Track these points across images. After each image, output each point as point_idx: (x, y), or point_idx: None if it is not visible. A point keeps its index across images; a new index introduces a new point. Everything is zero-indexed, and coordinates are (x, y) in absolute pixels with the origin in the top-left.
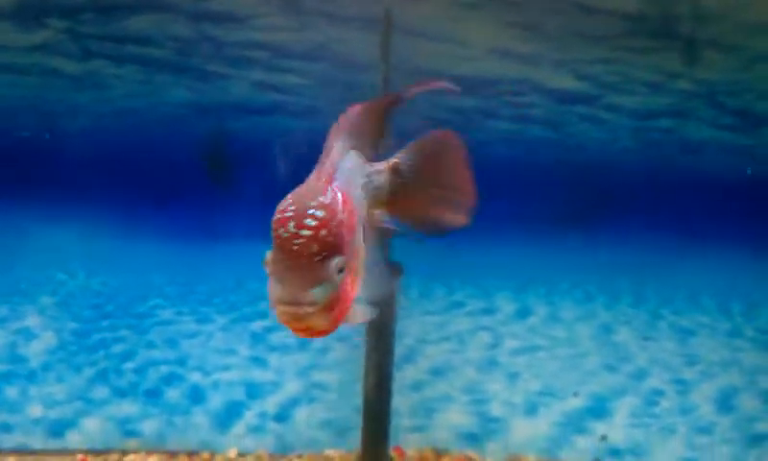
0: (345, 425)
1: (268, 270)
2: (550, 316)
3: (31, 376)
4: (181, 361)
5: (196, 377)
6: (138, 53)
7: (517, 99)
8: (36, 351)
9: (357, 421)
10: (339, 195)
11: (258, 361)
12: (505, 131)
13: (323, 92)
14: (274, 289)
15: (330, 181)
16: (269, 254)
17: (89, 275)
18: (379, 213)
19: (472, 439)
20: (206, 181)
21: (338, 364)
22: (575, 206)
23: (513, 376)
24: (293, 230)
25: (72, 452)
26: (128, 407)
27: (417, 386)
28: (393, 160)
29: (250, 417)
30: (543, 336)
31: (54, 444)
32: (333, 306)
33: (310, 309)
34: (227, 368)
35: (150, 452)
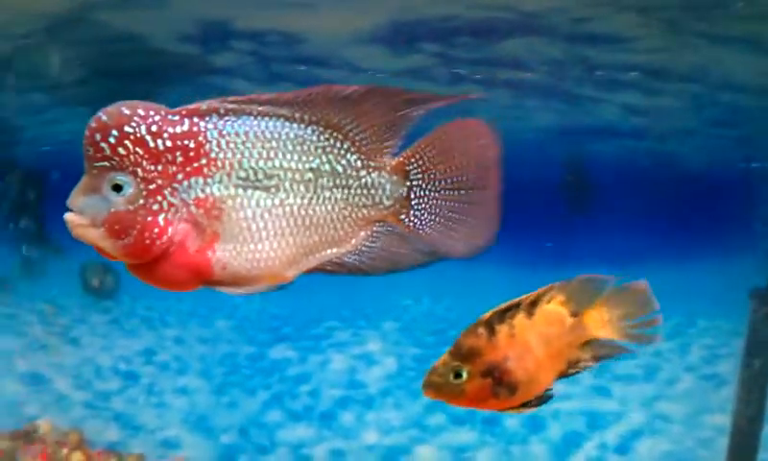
0: (687, 458)
1: None
2: None
3: (368, 402)
4: None
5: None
6: (509, 77)
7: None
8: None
9: (700, 454)
10: (181, 122)
11: (602, 391)
12: None
13: (696, 115)
14: None
15: (193, 112)
16: None
17: (433, 301)
18: (380, 226)
19: None
20: (561, 206)
21: (685, 395)
22: None
23: None
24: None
25: None
26: (464, 435)
27: None
28: (398, 159)
29: (589, 448)
30: None
31: None
32: (118, 231)
33: (76, 219)
34: (568, 397)
35: None
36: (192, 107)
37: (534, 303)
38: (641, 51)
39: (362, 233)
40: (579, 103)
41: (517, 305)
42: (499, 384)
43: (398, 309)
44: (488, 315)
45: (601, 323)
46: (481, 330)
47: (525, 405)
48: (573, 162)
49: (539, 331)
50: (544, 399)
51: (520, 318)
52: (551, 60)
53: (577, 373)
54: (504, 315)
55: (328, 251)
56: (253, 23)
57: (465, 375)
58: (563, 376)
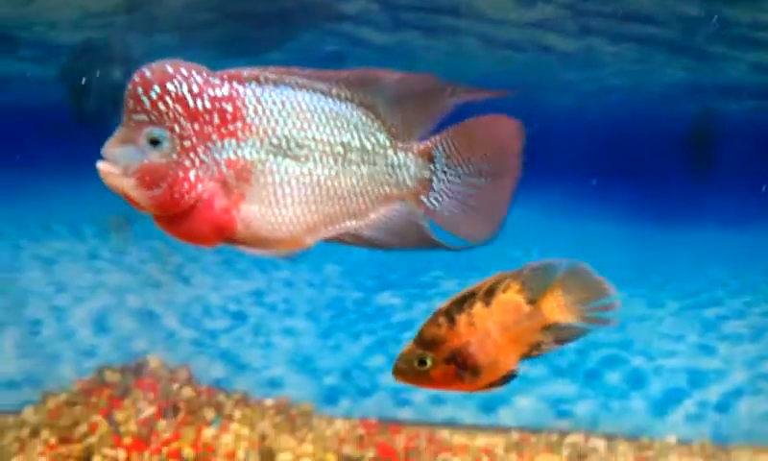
0: None
1: None
2: None
3: None
4: (625, 344)
5: (638, 362)
6: (639, 31)
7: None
8: None
9: None
10: (222, 85)
11: (706, 349)
12: None
13: None
14: None
15: (234, 77)
16: None
17: (543, 253)
18: (404, 205)
19: None
20: (681, 163)
21: None
22: None
23: None
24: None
25: (504, 429)
26: (564, 387)
27: None
28: (425, 144)
29: (689, 405)
30: None
31: (485, 419)
32: (149, 183)
33: (109, 168)
34: (672, 354)
35: (588, 435)
36: (234, 72)
37: (489, 293)
38: None
39: (381, 210)
40: (708, 60)
41: (473, 294)
42: (463, 368)
43: (507, 260)
44: (446, 305)
45: (558, 308)
46: (441, 320)
47: (491, 385)
48: (699, 119)
49: (496, 319)
50: (509, 377)
51: (478, 307)
52: (683, 16)
53: (540, 354)
54: (462, 304)
55: (348, 223)
56: None
57: (429, 362)
58: (526, 357)
